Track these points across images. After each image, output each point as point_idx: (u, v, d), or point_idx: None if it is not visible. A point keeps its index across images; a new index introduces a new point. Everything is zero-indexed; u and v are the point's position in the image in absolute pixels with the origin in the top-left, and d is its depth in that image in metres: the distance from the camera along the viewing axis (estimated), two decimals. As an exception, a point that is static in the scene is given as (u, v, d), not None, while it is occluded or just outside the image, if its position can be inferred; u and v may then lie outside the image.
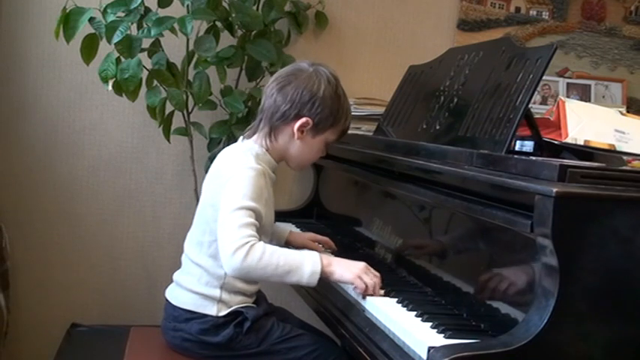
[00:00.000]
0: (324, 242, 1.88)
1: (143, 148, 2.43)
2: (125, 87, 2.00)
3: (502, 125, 1.48)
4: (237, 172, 1.55)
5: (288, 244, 1.86)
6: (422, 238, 1.64)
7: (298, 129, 1.61)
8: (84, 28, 1.98)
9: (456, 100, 1.75)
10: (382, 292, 1.49)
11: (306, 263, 1.47)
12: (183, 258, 1.70)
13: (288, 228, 1.95)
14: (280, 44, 2.33)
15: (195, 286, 1.62)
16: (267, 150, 1.65)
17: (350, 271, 1.48)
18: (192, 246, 1.66)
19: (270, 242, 1.66)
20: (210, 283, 1.61)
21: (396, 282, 1.58)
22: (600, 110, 1.93)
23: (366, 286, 1.47)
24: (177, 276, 1.69)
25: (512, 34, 2.69)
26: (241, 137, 1.71)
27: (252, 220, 1.49)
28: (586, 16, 2.76)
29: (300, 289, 1.83)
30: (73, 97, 2.37)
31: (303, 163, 1.71)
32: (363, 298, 1.47)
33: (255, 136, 1.67)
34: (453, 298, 1.43)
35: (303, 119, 1.61)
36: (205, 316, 1.60)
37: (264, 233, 1.62)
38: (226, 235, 1.48)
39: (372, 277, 1.48)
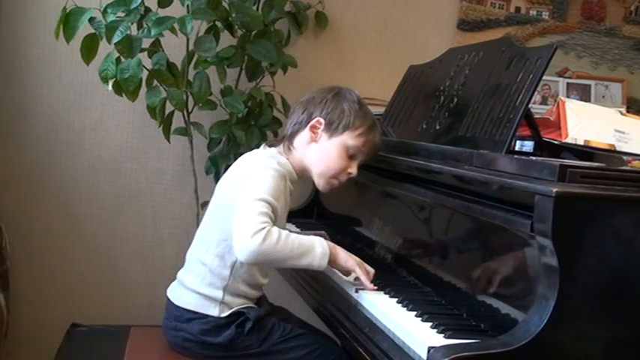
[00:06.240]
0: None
1: (143, 148, 2.43)
2: (125, 87, 2.00)
3: (502, 125, 1.48)
4: (259, 170, 1.56)
5: None
6: (422, 238, 1.65)
7: (311, 129, 1.63)
8: (84, 28, 1.98)
9: (456, 100, 1.75)
10: (375, 287, 1.53)
11: (317, 246, 1.50)
12: (189, 255, 1.70)
13: (287, 227, 1.95)
14: (280, 44, 2.33)
15: (198, 287, 1.62)
16: (288, 160, 1.66)
17: (352, 258, 1.54)
18: (200, 243, 1.66)
19: None
20: (214, 284, 1.61)
21: (396, 282, 1.58)
22: (600, 110, 1.93)
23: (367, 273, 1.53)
24: (181, 274, 1.69)
25: (512, 34, 2.69)
26: (263, 145, 1.73)
27: (270, 212, 1.49)
28: (586, 16, 2.76)
29: (301, 289, 1.83)
30: (73, 97, 2.37)
31: (324, 171, 1.64)
32: (356, 291, 1.52)
33: (276, 147, 1.70)
34: (453, 298, 1.43)
35: (315, 119, 1.64)
36: (207, 316, 1.60)
37: None
38: (243, 221, 1.46)
39: (369, 268, 1.54)
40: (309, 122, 1.64)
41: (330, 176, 1.65)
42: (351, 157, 1.64)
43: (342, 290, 1.61)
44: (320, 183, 1.67)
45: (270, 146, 1.71)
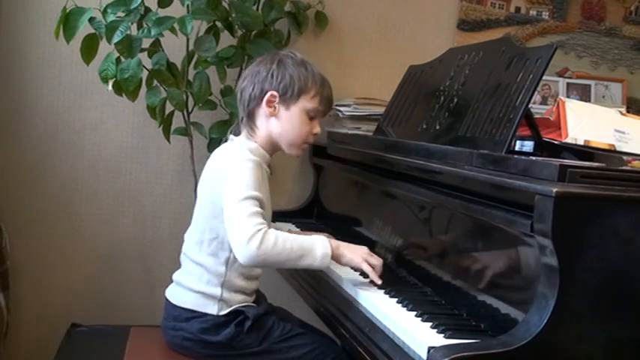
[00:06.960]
0: None
1: (143, 148, 2.43)
2: (125, 87, 2.00)
3: (502, 125, 1.48)
4: (236, 164, 1.56)
5: None
6: (422, 238, 1.65)
7: (267, 105, 1.63)
8: (84, 28, 1.98)
9: (456, 100, 1.75)
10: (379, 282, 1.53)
11: (317, 247, 1.50)
12: (182, 258, 1.70)
13: (287, 227, 1.95)
14: (280, 44, 2.33)
15: (196, 285, 1.62)
16: (257, 143, 1.66)
17: (358, 255, 1.54)
18: (192, 245, 1.66)
19: None
20: (211, 281, 1.61)
21: (396, 282, 1.58)
22: (600, 110, 1.93)
23: (373, 268, 1.53)
24: (177, 276, 1.70)
25: (512, 34, 2.69)
26: (230, 136, 1.72)
27: (259, 208, 1.50)
28: (586, 16, 2.76)
29: (301, 289, 1.83)
30: (73, 97, 2.37)
31: (293, 140, 1.66)
32: (371, 281, 1.53)
33: (242, 133, 1.69)
34: (453, 298, 1.43)
35: (268, 94, 1.63)
36: (206, 315, 1.60)
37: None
38: (237, 226, 1.48)
39: (376, 259, 1.54)
40: (262, 98, 1.63)
41: (300, 143, 1.67)
42: (311, 118, 1.66)
43: (342, 290, 1.61)
44: (292, 152, 1.69)
45: (235, 135, 1.71)
